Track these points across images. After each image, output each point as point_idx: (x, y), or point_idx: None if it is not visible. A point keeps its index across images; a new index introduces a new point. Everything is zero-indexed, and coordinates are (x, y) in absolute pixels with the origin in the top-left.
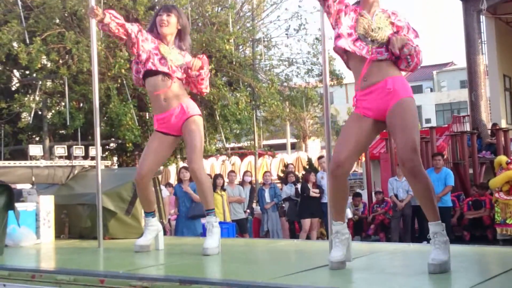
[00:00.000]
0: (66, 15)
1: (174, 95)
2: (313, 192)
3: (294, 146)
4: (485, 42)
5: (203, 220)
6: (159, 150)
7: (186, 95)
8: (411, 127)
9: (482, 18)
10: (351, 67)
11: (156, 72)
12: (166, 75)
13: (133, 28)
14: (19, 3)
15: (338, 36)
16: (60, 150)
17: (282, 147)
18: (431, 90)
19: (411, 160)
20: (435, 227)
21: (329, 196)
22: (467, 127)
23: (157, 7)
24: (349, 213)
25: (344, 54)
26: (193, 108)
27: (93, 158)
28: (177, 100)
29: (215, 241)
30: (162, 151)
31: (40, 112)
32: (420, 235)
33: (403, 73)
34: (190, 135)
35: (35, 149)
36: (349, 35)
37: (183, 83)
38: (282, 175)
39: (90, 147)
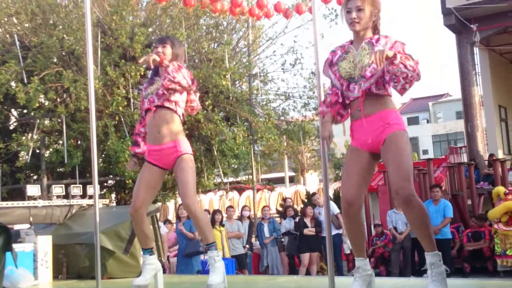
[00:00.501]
0: (63, 54)
1: (168, 130)
2: (309, 231)
3: (292, 180)
4: (480, 74)
5: (202, 257)
6: (151, 181)
7: (181, 133)
8: (403, 157)
9: (476, 50)
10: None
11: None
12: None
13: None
14: (17, 43)
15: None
16: (58, 189)
17: (280, 181)
18: (428, 121)
19: (403, 188)
20: (432, 258)
21: (347, 233)
22: (464, 158)
23: (153, 45)
24: (346, 249)
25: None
26: (186, 147)
27: (91, 197)
28: (170, 136)
29: (220, 276)
30: (154, 181)
31: (38, 151)
32: (421, 268)
33: (400, 103)
34: (182, 173)
35: (33, 189)
36: (341, 85)
37: (172, 107)
38: (280, 209)
39: (88, 186)
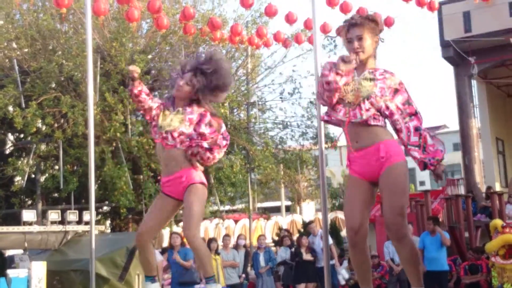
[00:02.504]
0: (62, 79)
1: (178, 162)
2: (307, 256)
3: (288, 209)
4: (477, 106)
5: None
6: (163, 210)
7: (194, 163)
8: (400, 192)
9: (474, 82)
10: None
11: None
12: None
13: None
14: (16, 68)
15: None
16: (53, 215)
17: (277, 210)
18: None
19: (396, 224)
20: None
21: (353, 264)
22: (462, 190)
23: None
24: (345, 274)
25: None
26: (197, 176)
27: (87, 223)
28: (181, 166)
29: None
30: (166, 211)
31: (33, 176)
32: None
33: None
34: (189, 201)
35: (29, 214)
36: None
37: (186, 149)
38: (276, 238)
39: (84, 212)
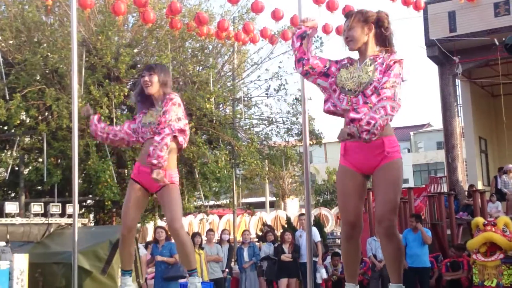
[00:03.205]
0: (47, 72)
1: None
2: (286, 257)
3: (273, 205)
4: (461, 105)
5: (181, 280)
6: (138, 201)
7: (173, 162)
8: (394, 189)
9: (458, 81)
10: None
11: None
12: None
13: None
14: (0, 59)
15: (326, 100)
16: (36, 207)
17: (261, 205)
18: (408, 150)
19: (388, 219)
20: None
21: (343, 258)
22: (444, 188)
23: (138, 66)
24: (324, 274)
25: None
26: (175, 177)
27: (70, 216)
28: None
29: None
30: (140, 202)
31: (17, 168)
32: None
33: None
34: (169, 198)
35: (11, 206)
36: (334, 91)
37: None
38: (260, 233)
39: (67, 205)
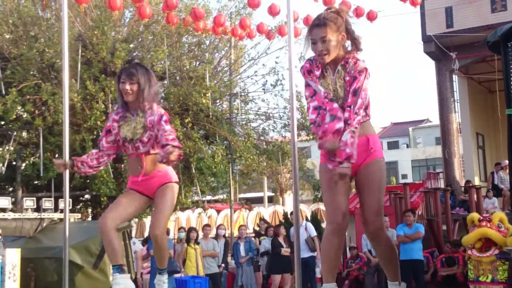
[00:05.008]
0: (43, 66)
1: (154, 161)
2: (285, 251)
3: (271, 200)
4: (458, 101)
5: (176, 275)
6: (131, 203)
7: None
8: (378, 190)
9: (455, 77)
10: None
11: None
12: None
13: (101, 146)
14: None
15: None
16: (29, 202)
17: (259, 201)
18: (407, 146)
19: (373, 222)
20: None
21: (325, 254)
22: (442, 183)
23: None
24: (318, 273)
25: None
26: (171, 175)
27: (62, 211)
28: (153, 167)
29: None
30: (134, 206)
31: (14, 163)
32: None
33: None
34: (162, 199)
35: (3, 201)
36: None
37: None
38: (258, 228)
39: (60, 200)
